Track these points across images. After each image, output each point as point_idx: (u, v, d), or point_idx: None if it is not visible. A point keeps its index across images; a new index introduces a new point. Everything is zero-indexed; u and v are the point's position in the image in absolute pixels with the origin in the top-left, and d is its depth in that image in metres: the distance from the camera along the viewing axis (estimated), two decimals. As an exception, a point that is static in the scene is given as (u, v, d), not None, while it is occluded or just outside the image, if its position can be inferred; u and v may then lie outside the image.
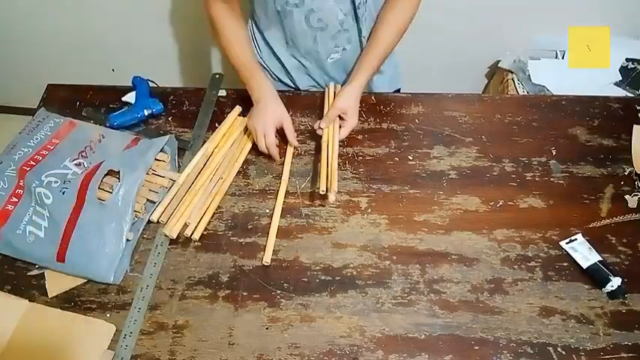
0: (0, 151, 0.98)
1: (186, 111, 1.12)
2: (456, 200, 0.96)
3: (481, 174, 1.00)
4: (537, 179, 0.98)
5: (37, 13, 1.69)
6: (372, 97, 1.12)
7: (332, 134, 0.99)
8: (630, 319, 0.82)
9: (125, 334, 0.82)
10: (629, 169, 0.99)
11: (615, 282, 0.83)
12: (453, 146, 1.04)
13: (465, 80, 1.82)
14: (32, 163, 0.94)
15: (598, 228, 0.92)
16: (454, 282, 0.87)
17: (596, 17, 1.51)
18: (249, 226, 0.94)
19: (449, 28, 1.60)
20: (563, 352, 0.79)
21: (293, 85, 1.17)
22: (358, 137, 1.05)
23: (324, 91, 1.11)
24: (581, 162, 1.01)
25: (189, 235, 0.92)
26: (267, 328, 0.83)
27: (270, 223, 0.93)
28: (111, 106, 1.12)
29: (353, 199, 0.97)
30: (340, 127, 1.00)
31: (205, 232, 0.94)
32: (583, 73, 1.54)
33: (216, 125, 1.08)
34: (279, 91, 1.03)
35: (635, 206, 0.94)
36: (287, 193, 0.98)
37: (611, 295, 0.84)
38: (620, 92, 1.53)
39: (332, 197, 0.88)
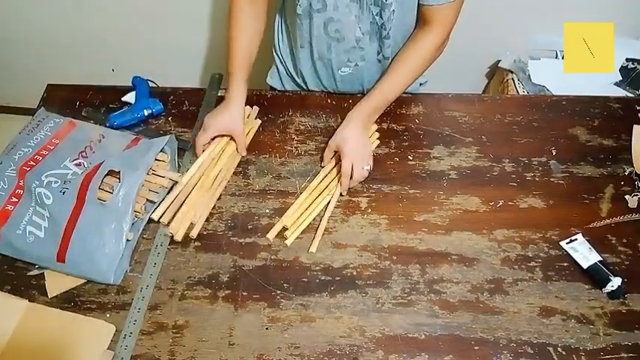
0: (0, 151, 0.98)
1: (186, 111, 1.12)
2: (456, 200, 0.96)
3: (481, 174, 1.00)
4: (537, 179, 0.98)
5: (37, 13, 1.69)
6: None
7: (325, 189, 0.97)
8: (630, 319, 0.82)
9: (125, 335, 0.82)
10: (629, 169, 0.99)
11: (615, 282, 0.83)
12: (453, 146, 1.04)
13: (465, 80, 1.82)
14: (32, 163, 0.94)
15: (598, 228, 0.92)
16: (454, 282, 0.87)
17: (596, 17, 1.50)
18: (249, 226, 0.94)
19: (449, 28, 1.60)
20: (563, 352, 0.79)
21: (305, 87, 1.16)
22: (358, 137, 1.05)
23: (329, 93, 1.13)
24: (581, 162, 1.00)
25: (193, 236, 0.92)
26: (267, 329, 0.83)
27: (269, 224, 0.93)
28: (111, 106, 1.12)
29: (353, 199, 0.97)
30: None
31: (205, 232, 0.94)
32: (583, 73, 1.54)
33: (216, 125, 1.08)
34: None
35: (635, 206, 0.94)
36: (287, 193, 0.98)
37: (611, 295, 0.84)
38: (620, 92, 1.52)
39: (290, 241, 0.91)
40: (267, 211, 0.96)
